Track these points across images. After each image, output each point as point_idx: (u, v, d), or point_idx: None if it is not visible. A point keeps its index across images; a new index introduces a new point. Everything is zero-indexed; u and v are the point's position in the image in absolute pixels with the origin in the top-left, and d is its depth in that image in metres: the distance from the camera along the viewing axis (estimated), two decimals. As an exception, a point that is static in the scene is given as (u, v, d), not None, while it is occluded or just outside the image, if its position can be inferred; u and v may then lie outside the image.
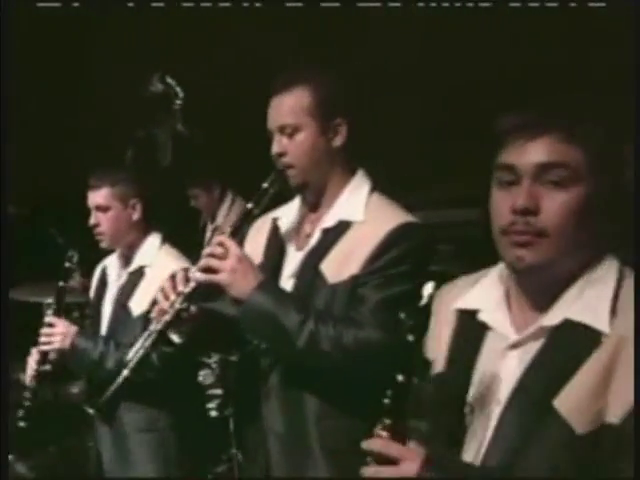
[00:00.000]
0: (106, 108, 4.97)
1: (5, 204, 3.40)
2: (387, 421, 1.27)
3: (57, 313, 2.71)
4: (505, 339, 1.36)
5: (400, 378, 1.26)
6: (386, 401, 1.27)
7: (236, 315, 2.00)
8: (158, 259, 2.67)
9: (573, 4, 2.94)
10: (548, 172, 1.26)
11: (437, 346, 1.45)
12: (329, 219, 2.02)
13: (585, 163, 1.26)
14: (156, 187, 3.24)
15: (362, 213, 1.99)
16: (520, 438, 1.28)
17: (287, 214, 2.15)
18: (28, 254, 4.43)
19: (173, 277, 2.00)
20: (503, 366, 1.34)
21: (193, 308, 1.98)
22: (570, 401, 1.24)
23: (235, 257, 1.89)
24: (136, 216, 2.72)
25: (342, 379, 1.88)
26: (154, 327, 2.01)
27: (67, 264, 2.77)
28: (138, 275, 2.67)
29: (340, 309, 1.91)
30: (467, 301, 1.42)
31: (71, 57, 5.17)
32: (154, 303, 2.06)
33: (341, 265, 1.94)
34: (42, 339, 2.67)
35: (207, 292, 2.00)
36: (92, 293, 2.89)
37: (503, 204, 1.29)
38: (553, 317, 1.29)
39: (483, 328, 1.40)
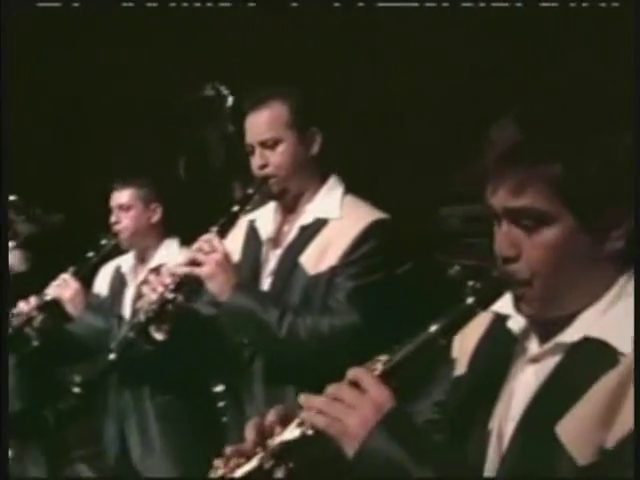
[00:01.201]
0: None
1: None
2: (385, 360, 1.23)
3: (76, 274, 2.84)
4: (527, 352, 1.29)
5: (433, 329, 1.22)
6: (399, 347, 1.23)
7: (212, 314, 2.23)
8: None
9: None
10: (520, 216, 1.20)
11: (463, 346, 1.41)
12: (306, 217, 2.21)
13: (553, 204, 1.17)
14: (178, 191, 3.43)
15: (338, 211, 2.18)
16: (527, 464, 1.20)
17: (263, 217, 2.33)
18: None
19: (157, 270, 2.20)
20: (521, 381, 1.28)
21: (179, 298, 2.14)
22: (572, 428, 1.14)
23: (220, 253, 2.09)
24: (155, 219, 2.89)
25: (320, 367, 2.01)
26: (139, 318, 2.20)
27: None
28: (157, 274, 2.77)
29: (319, 298, 2.10)
30: (501, 305, 1.29)
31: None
32: (140, 296, 2.26)
33: (319, 258, 2.12)
34: (50, 290, 2.79)
35: (190, 288, 2.17)
36: (101, 287, 3.01)
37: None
38: (573, 333, 1.21)
39: (510, 337, 1.33)
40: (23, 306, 2.77)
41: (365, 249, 2.10)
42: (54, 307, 2.78)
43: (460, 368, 1.41)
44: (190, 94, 4.76)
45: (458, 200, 3.81)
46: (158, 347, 2.27)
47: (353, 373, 1.23)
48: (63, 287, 2.78)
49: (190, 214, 2.99)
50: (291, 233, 2.22)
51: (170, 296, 2.13)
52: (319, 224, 2.18)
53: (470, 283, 1.24)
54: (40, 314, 2.76)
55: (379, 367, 1.23)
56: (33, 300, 2.78)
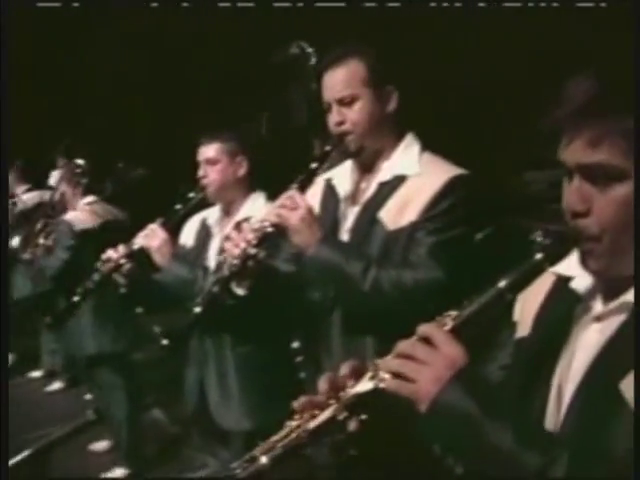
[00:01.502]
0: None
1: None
2: (455, 315, 1.25)
3: (164, 225, 2.88)
4: (591, 311, 1.29)
5: (501, 284, 1.23)
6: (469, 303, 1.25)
7: (291, 271, 2.32)
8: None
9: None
10: (594, 171, 1.19)
11: (526, 308, 1.42)
12: (384, 174, 2.23)
13: (629, 160, 1.16)
14: (263, 147, 3.46)
15: (416, 167, 2.20)
16: (589, 421, 1.20)
17: (339, 175, 2.37)
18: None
19: (240, 226, 2.25)
20: (583, 340, 1.28)
21: (261, 254, 2.20)
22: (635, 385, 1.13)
23: (304, 208, 2.13)
24: (241, 172, 2.92)
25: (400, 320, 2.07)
26: (222, 272, 2.26)
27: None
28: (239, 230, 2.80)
29: (399, 253, 2.13)
30: (564, 266, 1.30)
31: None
32: (222, 251, 2.31)
33: (399, 213, 2.15)
34: (138, 239, 2.86)
35: (271, 244, 2.22)
36: (187, 238, 3.07)
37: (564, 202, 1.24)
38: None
39: (574, 297, 1.33)
40: (112, 253, 2.85)
41: (446, 204, 2.11)
42: (142, 256, 2.85)
43: (523, 330, 1.42)
44: (275, 52, 4.81)
45: (540, 166, 3.76)
46: (240, 301, 2.33)
47: (424, 329, 1.25)
48: (151, 237, 2.84)
49: (274, 169, 3.01)
50: (369, 190, 2.25)
51: (252, 252, 2.18)
52: (398, 180, 2.20)
53: (538, 239, 1.25)
54: (128, 262, 2.82)
55: (449, 322, 1.25)
56: (122, 248, 2.85)
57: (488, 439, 1.16)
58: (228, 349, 2.87)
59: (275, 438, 1.33)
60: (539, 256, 1.24)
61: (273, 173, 3.00)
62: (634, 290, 1.20)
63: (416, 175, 2.18)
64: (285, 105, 5.04)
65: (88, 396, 4.89)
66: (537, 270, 1.25)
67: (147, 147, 5.37)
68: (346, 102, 2.19)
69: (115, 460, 4.59)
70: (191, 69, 5.89)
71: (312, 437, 1.30)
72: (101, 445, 4.81)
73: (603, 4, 3.72)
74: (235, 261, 2.20)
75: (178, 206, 2.91)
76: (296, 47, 4.78)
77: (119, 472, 4.51)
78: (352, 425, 1.30)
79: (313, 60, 4.65)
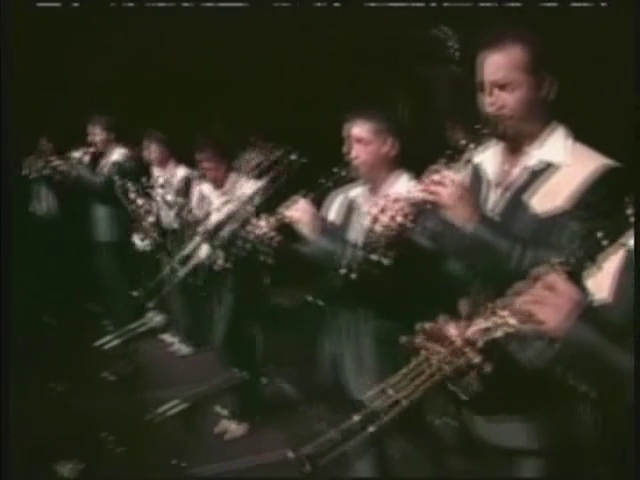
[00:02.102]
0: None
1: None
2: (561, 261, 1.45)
3: (311, 199, 2.97)
4: None
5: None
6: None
7: (432, 247, 2.39)
8: None
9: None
10: None
11: (603, 277, 1.53)
12: (533, 160, 2.25)
13: None
14: (414, 127, 3.51)
15: (566, 156, 2.21)
16: None
17: (486, 158, 2.38)
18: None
19: (392, 197, 2.31)
20: None
21: (409, 226, 2.25)
22: None
23: (459, 186, 2.18)
24: (392, 152, 2.96)
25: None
26: (370, 240, 2.33)
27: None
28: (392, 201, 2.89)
29: (547, 238, 2.13)
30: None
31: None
32: (372, 221, 2.36)
33: (548, 200, 2.15)
34: (288, 211, 2.96)
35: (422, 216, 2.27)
36: (334, 214, 3.14)
37: None
38: None
39: None
40: (261, 224, 2.97)
41: (596, 193, 2.10)
42: (289, 228, 2.95)
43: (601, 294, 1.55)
44: (417, 34, 4.84)
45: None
46: (382, 271, 2.40)
47: (544, 277, 1.44)
48: (300, 210, 2.93)
49: (419, 149, 3.05)
50: (517, 175, 2.27)
51: (403, 222, 2.23)
52: (547, 167, 2.21)
53: None
54: (276, 234, 2.93)
55: (562, 270, 1.44)
56: (271, 220, 2.97)
57: (613, 364, 1.32)
58: (364, 322, 2.93)
59: (404, 371, 1.58)
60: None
61: (418, 153, 3.04)
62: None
63: (565, 163, 2.19)
64: (427, 87, 5.06)
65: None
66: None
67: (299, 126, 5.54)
68: (503, 86, 2.21)
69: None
70: (340, 49, 5.97)
71: (452, 378, 1.52)
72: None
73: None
74: (386, 230, 2.26)
75: (323, 180, 2.97)
76: (437, 29, 4.81)
77: (237, 428, 4.72)
78: (487, 368, 1.52)
79: (454, 42, 4.67)
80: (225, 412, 4.92)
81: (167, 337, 6.69)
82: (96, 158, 6.50)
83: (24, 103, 5.25)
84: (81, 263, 6.94)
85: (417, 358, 1.53)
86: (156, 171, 6.38)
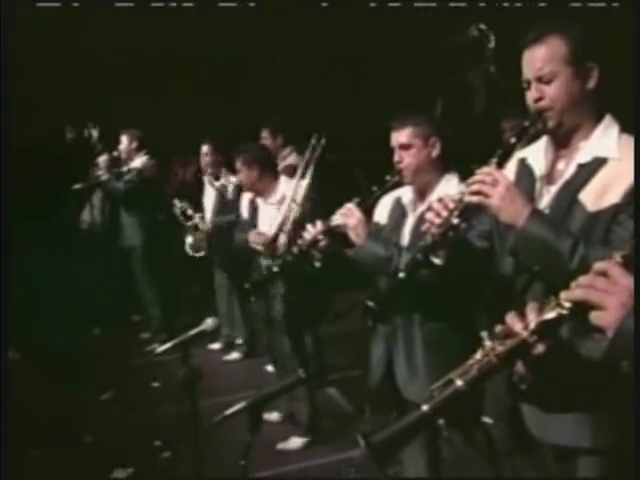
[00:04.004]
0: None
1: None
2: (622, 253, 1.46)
3: (360, 205, 2.97)
4: None
5: None
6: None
7: (484, 247, 2.39)
8: None
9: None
10: None
11: None
12: (584, 155, 2.22)
13: None
14: (455, 127, 3.51)
15: (617, 150, 2.18)
16: None
17: (534, 153, 2.37)
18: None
19: (441, 199, 2.31)
20: None
21: (462, 225, 2.25)
22: None
23: (504, 185, 2.15)
24: (435, 153, 2.98)
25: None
26: (426, 240, 2.32)
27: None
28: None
29: (599, 234, 2.11)
30: None
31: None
32: (421, 224, 2.36)
33: (600, 195, 2.13)
34: (336, 217, 2.99)
35: (472, 215, 2.27)
36: (385, 218, 3.15)
37: None
38: None
39: None
40: (310, 229, 3.01)
41: None
42: (338, 234, 2.97)
43: None
44: (455, 35, 4.84)
45: None
46: (434, 273, 2.40)
47: (600, 265, 1.45)
48: (348, 216, 2.95)
49: (463, 150, 3.05)
50: (568, 170, 2.24)
51: (454, 222, 2.23)
52: (598, 162, 2.18)
53: None
54: (325, 238, 2.96)
55: (618, 258, 1.45)
56: (319, 225, 3.00)
57: None
58: (417, 326, 2.95)
59: (470, 362, 1.53)
60: None
61: (463, 153, 3.04)
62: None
63: (617, 157, 2.16)
64: (463, 88, 5.06)
65: (269, 368, 5.11)
66: None
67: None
68: (546, 79, 2.20)
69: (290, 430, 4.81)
70: (366, 55, 6.01)
71: (504, 359, 1.51)
72: (273, 416, 5.01)
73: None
74: (437, 230, 2.25)
75: (374, 188, 3.01)
76: (475, 30, 4.80)
77: (297, 441, 4.73)
78: (539, 348, 1.54)
79: (492, 42, 4.66)
80: (273, 417, 4.98)
81: (217, 345, 6.79)
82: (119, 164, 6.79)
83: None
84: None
85: (482, 350, 1.54)
86: (206, 178, 6.52)
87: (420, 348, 2.96)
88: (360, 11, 5.69)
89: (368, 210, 3.04)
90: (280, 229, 4.09)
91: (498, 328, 1.59)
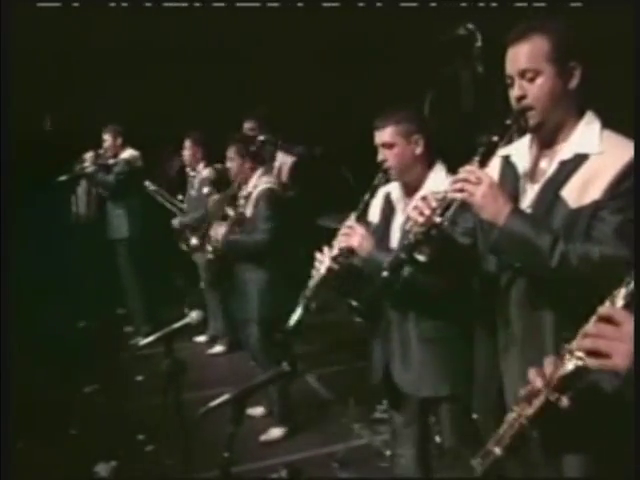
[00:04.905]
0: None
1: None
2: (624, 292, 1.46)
3: (357, 218, 2.98)
4: None
5: None
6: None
7: (467, 243, 2.41)
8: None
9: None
10: None
11: None
12: (566, 152, 2.23)
13: None
14: (436, 123, 3.52)
15: (598, 146, 2.19)
16: None
17: (517, 151, 2.39)
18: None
19: (425, 198, 2.33)
20: None
21: (444, 223, 2.25)
22: None
23: (487, 183, 2.17)
24: (419, 150, 2.98)
25: (579, 293, 2.07)
26: (409, 239, 2.31)
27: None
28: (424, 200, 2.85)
29: (581, 231, 2.13)
30: None
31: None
32: (409, 221, 2.38)
33: (581, 192, 2.15)
34: (340, 238, 2.99)
35: (455, 213, 2.27)
36: (374, 215, 3.16)
37: None
38: None
39: None
40: (320, 257, 3.02)
41: (631, 183, 2.08)
42: (347, 255, 2.99)
43: None
44: (443, 33, 4.83)
45: None
46: (421, 270, 2.42)
47: (604, 311, 1.45)
48: (351, 235, 2.96)
49: (451, 148, 3.06)
50: (550, 168, 2.25)
51: (436, 220, 2.23)
52: (579, 159, 2.19)
53: None
54: (335, 263, 2.98)
55: (620, 300, 1.45)
56: (327, 251, 3.01)
57: None
58: (411, 323, 2.98)
59: (502, 430, 1.61)
60: None
61: (448, 149, 3.05)
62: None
63: (598, 153, 2.17)
64: (451, 86, 5.05)
65: (252, 363, 5.14)
66: None
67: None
68: (528, 77, 2.21)
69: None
70: (358, 53, 6.02)
71: (533, 420, 1.57)
72: (257, 411, 5.05)
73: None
74: (420, 228, 2.26)
75: (366, 196, 3.03)
76: (463, 29, 4.80)
77: (276, 432, 4.78)
78: (564, 402, 1.55)
79: (480, 42, 4.66)
80: (257, 412, 5.01)
81: (202, 338, 6.80)
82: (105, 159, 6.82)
83: (24, 103, 5.37)
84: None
85: (512, 414, 1.61)
86: (189, 171, 6.54)
87: (414, 345, 2.99)
88: (349, 6, 5.72)
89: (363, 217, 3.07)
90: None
91: (522, 390, 1.62)
